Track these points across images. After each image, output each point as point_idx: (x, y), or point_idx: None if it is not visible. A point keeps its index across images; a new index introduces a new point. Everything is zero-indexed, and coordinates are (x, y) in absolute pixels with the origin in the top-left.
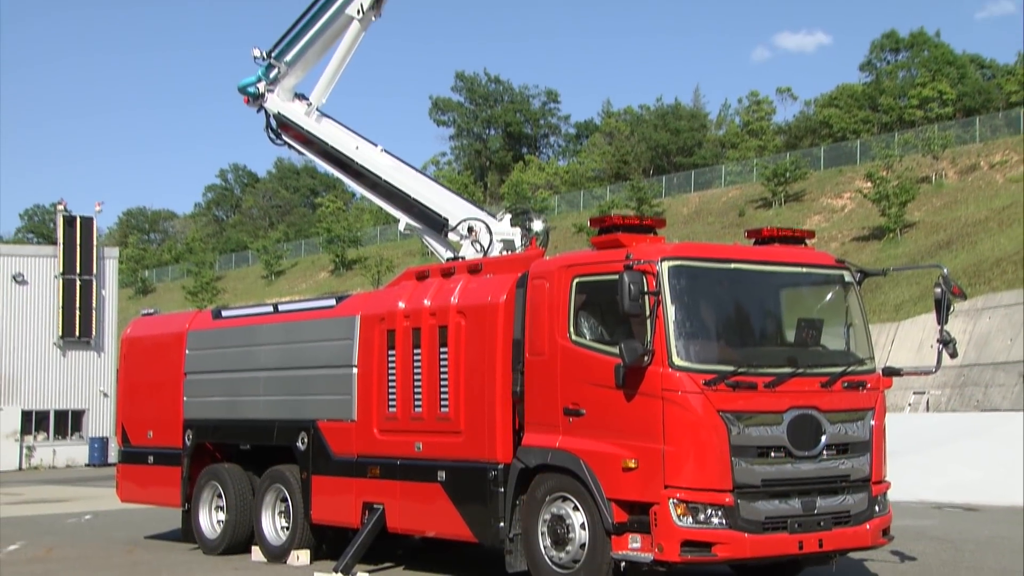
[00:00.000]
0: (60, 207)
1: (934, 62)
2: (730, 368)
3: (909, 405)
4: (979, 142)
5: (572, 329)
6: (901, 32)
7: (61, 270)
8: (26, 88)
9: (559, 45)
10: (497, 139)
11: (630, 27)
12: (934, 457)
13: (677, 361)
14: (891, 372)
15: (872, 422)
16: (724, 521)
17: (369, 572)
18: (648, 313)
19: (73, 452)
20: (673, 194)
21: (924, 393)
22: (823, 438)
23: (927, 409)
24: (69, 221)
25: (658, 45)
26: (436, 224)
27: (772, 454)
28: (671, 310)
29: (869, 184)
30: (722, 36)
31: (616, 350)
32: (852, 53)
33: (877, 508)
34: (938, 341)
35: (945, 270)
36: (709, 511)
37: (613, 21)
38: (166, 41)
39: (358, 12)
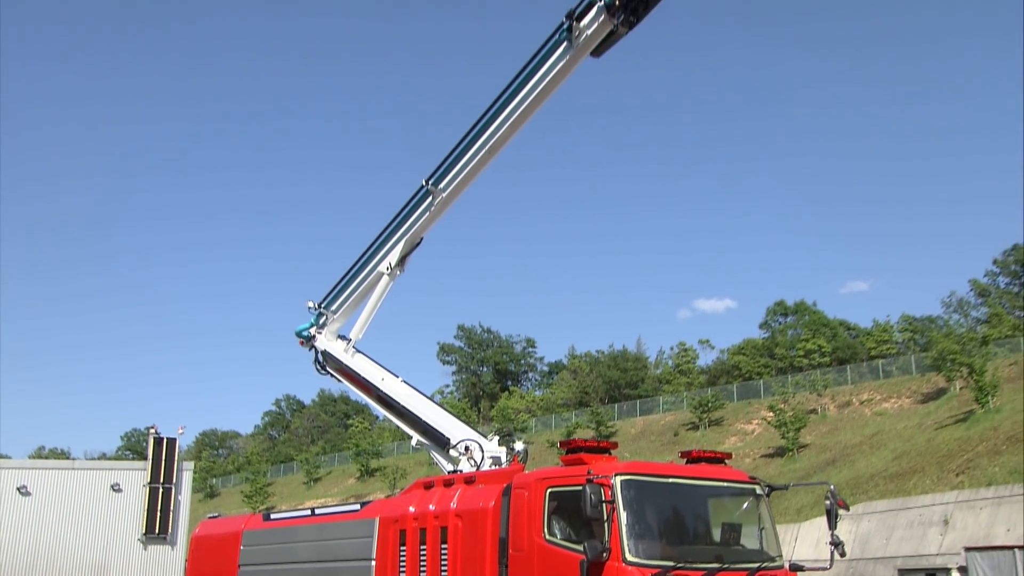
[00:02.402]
0: (152, 431)
1: (813, 324)
2: (671, 563)
3: None
4: (851, 384)
5: (546, 530)
6: (788, 301)
7: (148, 480)
8: (126, 333)
9: (537, 303)
10: (488, 375)
11: (589, 289)
12: None
13: (629, 557)
14: (795, 568)
15: None
16: None
17: None
18: (606, 518)
19: None
20: (623, 418)
21: None
22: None
23: None
24: (158, 442)
25: (609, 306)
26: (440, 442)
27: None
28: (624, 516)
29: (771, 414)
30: (656, 300)
31: (581, 548)
32: (753, 315)
33: None
34: (830, 543)
35: (832, 487)
36: None
37: (577, 284)
38: (233, 293)
39: (387, 268)
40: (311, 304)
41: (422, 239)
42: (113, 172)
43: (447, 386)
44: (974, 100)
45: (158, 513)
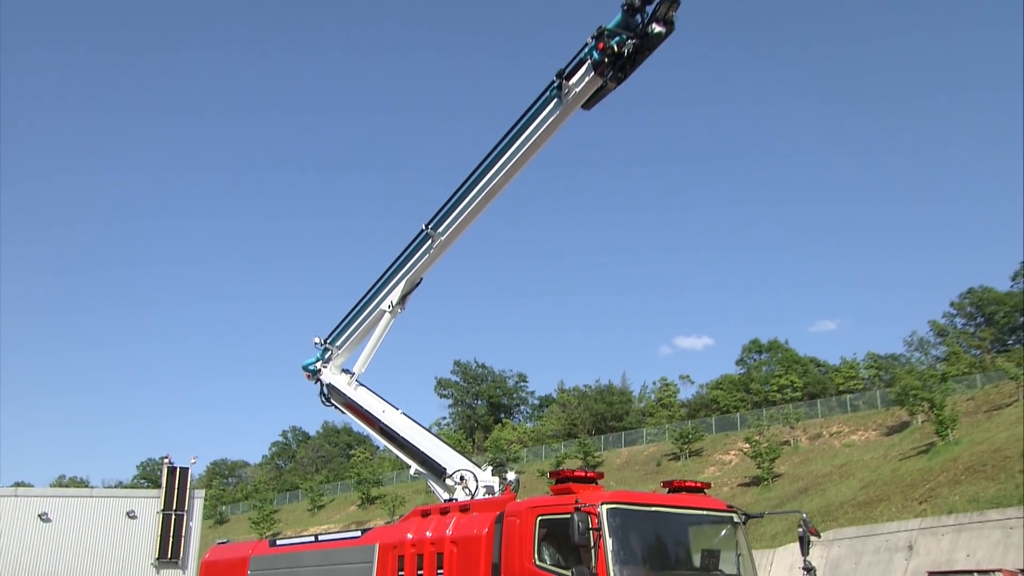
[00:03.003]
0: (166, 460)
1: (786, 361)
2: None
3: None
4: (821, 417)
5: (536, 556)
6: (762, 339)
7: (162, 507)
8: (143, 368)
9: (528, 340)
10: (483, 407)
11: (577, 327)
12: None
13: None
14: None
15: None
16: None
17: None
18: (592, 544)
19: None
20: (609, 449)
21: None
22: None
23: None
24: (171, 471)
25: (596, 343)
26: (437, 471)
27: None
28: (609, 542)
29: (747, 445)
30: (640, 337)
31: (569, 573)
32: (729, 352)
33: None
34: (802, 568)
35: (804, 515)
36: None
37: (566, 323)
38: (243, 330)
39: (389, 306)
40: (317, 340)
41: (422, 279)
42: (132, 216)
43: (444, 418)
44: (940, 151)
45: (170, 539)
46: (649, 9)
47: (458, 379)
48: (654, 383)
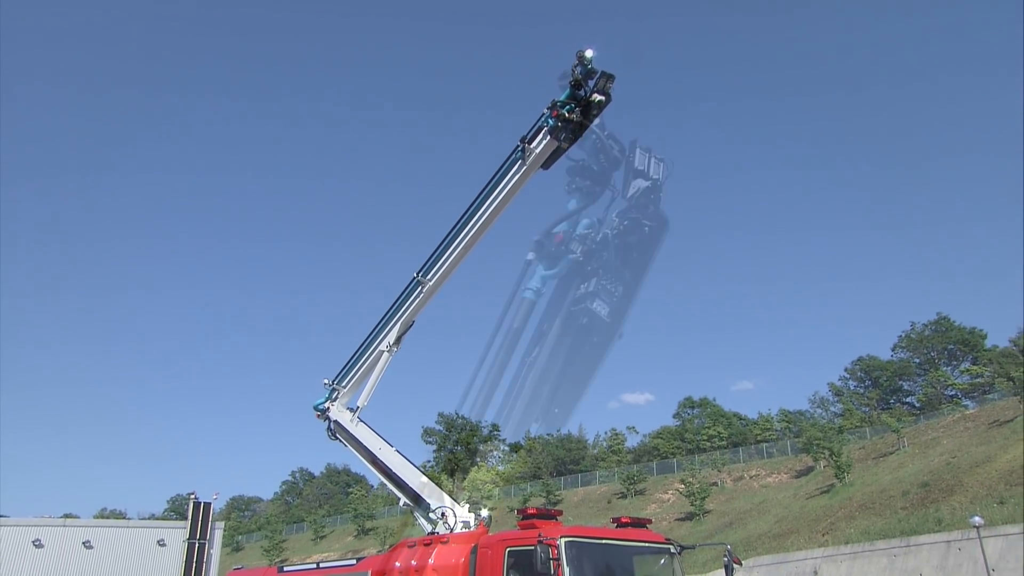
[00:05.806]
0: (192, 496)
1: (713, 415)
2: None
3: None
4: (743, 463)
5: None
6: (694, 397)
7: (187, 537)
8: (175, 418)
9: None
10: (462, 453)
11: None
12: None
13: None
14: None
15: None
16: None
17: None
18: (553, 572)
19: None
20: (567, 489)
21: None
22: None
23: None
24: (196, 505)
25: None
26: (423, 506)
27: None
28: (567, 570)
29: (682, 486)
30: (592, 393)
31: None
32: (667, 407)
33: None
34: None
35: (729, 546)
36: None
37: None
38: (261, 391)
39: (387, 346)
40: (326, 381)
41: (414, 322)
42: (170, 285)
43: (428, 461)
44: (829, 236)
45: (194, 565)
46: (591, 83)
47: (441, 428)
48: (605, 433)
